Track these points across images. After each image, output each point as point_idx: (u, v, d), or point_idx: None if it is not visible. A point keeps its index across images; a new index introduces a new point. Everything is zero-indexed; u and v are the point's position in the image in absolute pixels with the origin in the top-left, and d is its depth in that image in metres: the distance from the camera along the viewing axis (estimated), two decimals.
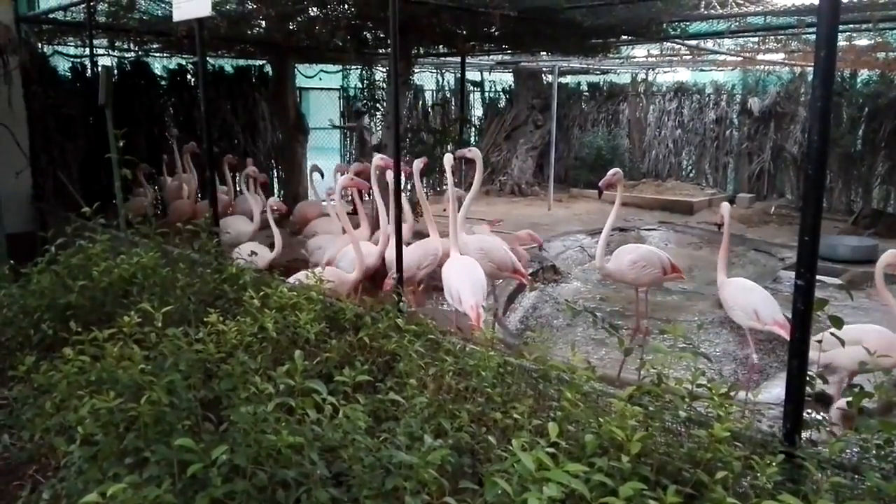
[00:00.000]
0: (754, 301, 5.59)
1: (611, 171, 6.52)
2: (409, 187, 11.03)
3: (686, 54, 13.40)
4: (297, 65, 13.40)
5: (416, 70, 14.17)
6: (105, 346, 2.94)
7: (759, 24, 9.07)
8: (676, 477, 2.31)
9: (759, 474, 2.23)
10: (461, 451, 2.58)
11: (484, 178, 7.19)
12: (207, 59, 9.80)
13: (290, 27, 9.16)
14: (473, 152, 6.68)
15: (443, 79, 17.94)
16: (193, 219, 8.93)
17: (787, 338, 5.45)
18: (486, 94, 19.26)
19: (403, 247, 5.30)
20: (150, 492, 2.13)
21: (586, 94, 19.56)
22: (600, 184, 6.53)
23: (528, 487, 1.98)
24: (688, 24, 9.24)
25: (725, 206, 6.16)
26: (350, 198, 7.43)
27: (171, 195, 10.09)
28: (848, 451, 2.50)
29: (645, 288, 6.61)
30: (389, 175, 6.55)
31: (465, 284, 5.69)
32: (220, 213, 8.84)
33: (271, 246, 7.10)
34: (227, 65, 13.21)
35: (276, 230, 7.13)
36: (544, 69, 17.59)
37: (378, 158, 6.74)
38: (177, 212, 9.22)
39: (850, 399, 2.70)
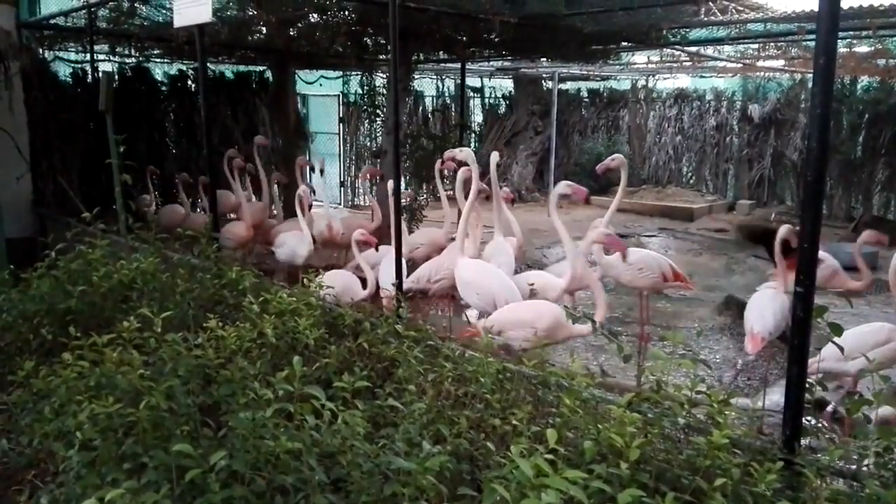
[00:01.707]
0: (748, 307, 5.71)
1: (611, 157, 6.55)
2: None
3: (686, 61, 13.43)
4: (297, 70, 13.42)
5: (416, 76, 14.20)
6: (104, 352, 2.94)
7: (759, 31, 9.08)
8: (675, 484, 2.31)
9: (758, 481, 2.23)
10: (460, 458, 2.58)
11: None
12: (208, 64, 9.81)
13: (291, 33, 9.18)
14: (465, 153, 6.60)
15: (443, 85, 17.99)
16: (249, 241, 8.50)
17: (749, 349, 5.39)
18: (487, 100, 19.28)
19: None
20: (149, 497, 2.13)
21: (586, 100, 19.59)
22: (598, 167, 6.59)
23: (527, 494, 1.98)
24: (688, 30, 9.26)
25: (787, 227, 6.03)
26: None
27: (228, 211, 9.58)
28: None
29: (645, 292, 6.59)
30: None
31: (504, 289, 5.56)
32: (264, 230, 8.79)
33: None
34: (228, 70, 13.23)
35: (366, 267, 6.28)
36: (544, 75, 17.64)
37: (565, 186, 6.18)
38: (229, 235, 8.41)
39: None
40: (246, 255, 8.11)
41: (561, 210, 6.50)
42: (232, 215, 9.44)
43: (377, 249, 6.58)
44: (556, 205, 5.98)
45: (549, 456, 2.11)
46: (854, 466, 2.49)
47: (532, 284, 5.86)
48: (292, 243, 7.79)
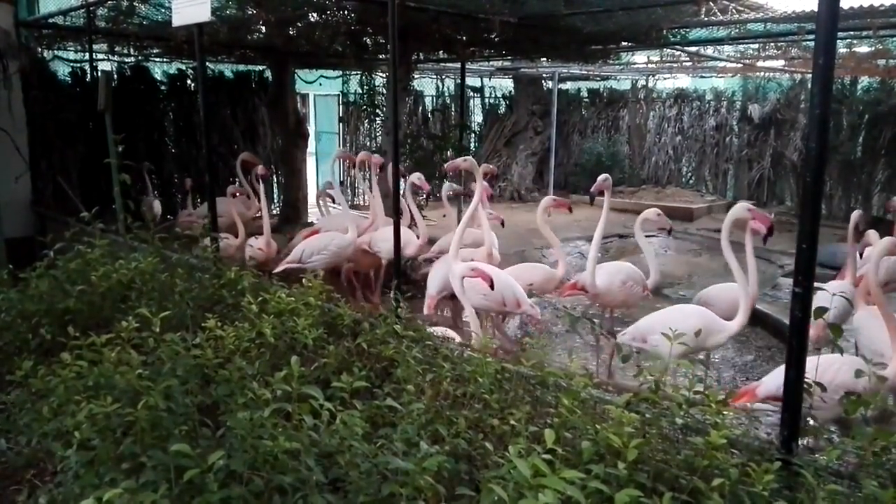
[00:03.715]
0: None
1: (601, 177, 6.53)
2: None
3: (686, 61, 13.43)
4: (297, 70, 13.43)
5: (416, 76, 14.21)
6: (103, 351, 2.94)
7: (759, 31, 9.08)
8: (673, 484, 2.31)
9: (755, 482, 2.23)
10: (458, 458, 2.57)
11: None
12: (207, 64, 9.80)
13: (290, 32, 9.18)
14: (469, 162, 6.60)
15: (443, 84, 17.99)
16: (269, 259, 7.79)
17: None
18: (486, 99, 19.29)
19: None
20: (147, 497, 2.13)
21: (586, 100, 19.60)
22: (592, 189, 6.57)
23: (525, 494, 1.98)
24: (688, 30, 9.26)
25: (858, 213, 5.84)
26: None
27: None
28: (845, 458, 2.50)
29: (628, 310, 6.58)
30: None
31: (509, 287, 5.64)
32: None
33: None
34: (227, 70, 13.24)
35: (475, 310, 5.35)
36: (544, 75, 17.64)
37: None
38: (252, 254, 7.76)
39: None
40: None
41: (561, 210, 6.56)
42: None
43: (492, 287, 5.39)
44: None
45: (547, 456, 2.11)
46: (852, 464, 2.49)
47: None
48: (338, 241, 7.32)
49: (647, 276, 6.44)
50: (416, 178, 7.22)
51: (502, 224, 7.37)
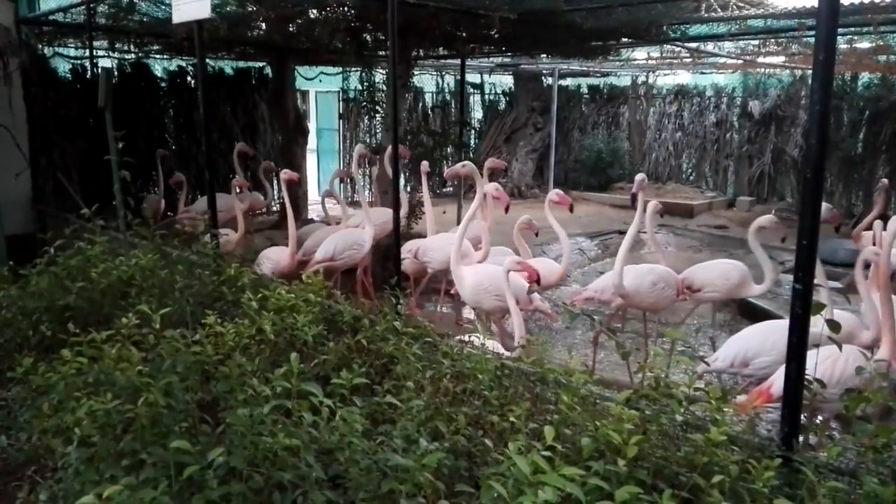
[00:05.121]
0: None
1: (639, 177, 6.40)
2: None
3: (686, 57, 13.40)
4: (297, 66, 13.40)
5: (415, 72, 14.17)
6: (103, 348, 2.94)
7: (760, 27, 9.06)
8: (673, 481, 2.31)
9: (755, 479, 2.23)
10: (458, 455, 2.58)
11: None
12: (207, 60, 9.78)
13: (290, 29, 9.16)
14: (468, 168, 6.53)
15: (443, 81, 17.96)
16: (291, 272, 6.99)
17: None
18: (486, 96, 19.26)
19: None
20: (147, 494, 2.13)
21: (586, 96, 19.57)
22: (633, 191, 6.37)
23: (524, 491, 1.98)
24: (688, 26, 9.23)
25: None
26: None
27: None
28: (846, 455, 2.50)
29: (658, 314, 6.47)
30: None
31: (515, 286, 5.63)
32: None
33: None
34: (227, 66, 13.22)
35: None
36: (544, 72, 17.61)
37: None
38: (271, 262, 7.01)
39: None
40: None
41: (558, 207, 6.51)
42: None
43: (538, 283, 5.23)
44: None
45: (547, 453, 2.11)
46: (853, 462, 2.49)
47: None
48: (363, 236, 7.08)
49: (763, 279, 6.29)
50: (493, 188, 6.54)
51: (536, 234, 7.22)
